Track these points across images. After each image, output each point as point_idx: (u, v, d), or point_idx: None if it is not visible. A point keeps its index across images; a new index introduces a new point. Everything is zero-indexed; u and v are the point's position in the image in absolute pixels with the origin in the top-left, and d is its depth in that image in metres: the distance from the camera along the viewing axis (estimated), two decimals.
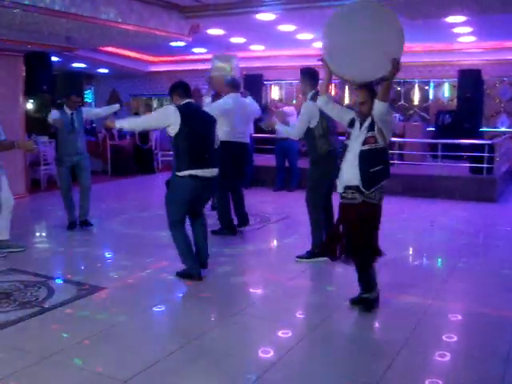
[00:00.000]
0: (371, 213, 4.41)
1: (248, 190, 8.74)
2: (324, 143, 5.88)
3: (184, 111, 5.11)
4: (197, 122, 5.17)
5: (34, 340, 4.03)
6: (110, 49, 14.31)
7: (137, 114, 17.94)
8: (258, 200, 8.95)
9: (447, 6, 8.13)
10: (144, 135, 14.41)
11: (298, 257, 6.00)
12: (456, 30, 11.40)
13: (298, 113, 6.17)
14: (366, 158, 4.31)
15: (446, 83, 14.85)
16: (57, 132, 7.41)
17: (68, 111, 7.36)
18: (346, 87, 15.47)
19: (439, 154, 11.56)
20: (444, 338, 4.09)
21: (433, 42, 13.28)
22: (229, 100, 7.14)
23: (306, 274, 5.72)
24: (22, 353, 3.80)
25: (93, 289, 5.10)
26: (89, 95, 19.38)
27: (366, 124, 4.35)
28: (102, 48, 13.67)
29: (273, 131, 11.02)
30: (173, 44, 12.05)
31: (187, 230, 5.43)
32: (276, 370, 3.57)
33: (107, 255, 6.71)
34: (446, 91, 14.92)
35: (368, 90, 4.35)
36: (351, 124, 4.53)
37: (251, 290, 5.38)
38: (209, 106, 6.93)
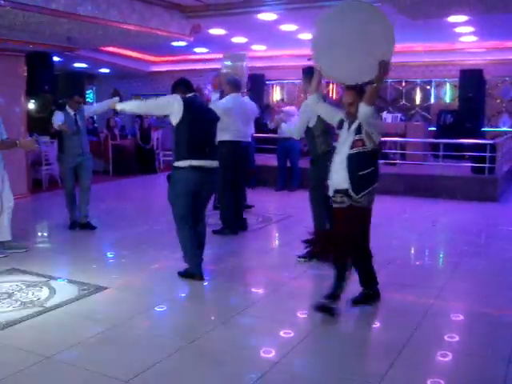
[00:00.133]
0: (358, 216, 4.36)
1: (252, 190, 8.74)
2: (323, 143, 5.88)
3: (188, 101, 5.15)
4: (199, 114, 5.20)
5: (35, 340, 4.03)
6: (111, 49, 14.32)
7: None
8: (259, 200, 8.94)
9: (448, 6, 8.11)
10: (146, 135, 14.41)
11: (299, 256, 6.00)
12: (458, 30, 11.40)
13: None
14: (354, 162, 4.26)
15: (447, 83, 14.84)
16: (60, 132, 7.37)
17: (71, 111, 7.34)
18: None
19: (441, 153, 11.55)
20: (446, 337, 4.09)
21: (434, 41, 13.27)
22: (230, 99, 7.16)
23: (308, 274, 5.72)
24: (24, 353, 3.80)
25: (94, 289, 5.11)
26: (90, 95, 19.39)
27: (354, 126, 4.29)
28: (103, 48, 13.68)
29: (274, 131, 11.06)
30: (174, 44, 12.06)
31: None
32: (277, 370, 3.57)
33: (109, 255, 6.71)
34: (448, 91, 14.90)
35: (357, 90, 4.27)
36: (340, 126, 4.47)
37: (253, 290, 5.37)
38: (213, 103, 6.95)
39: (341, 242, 4.28)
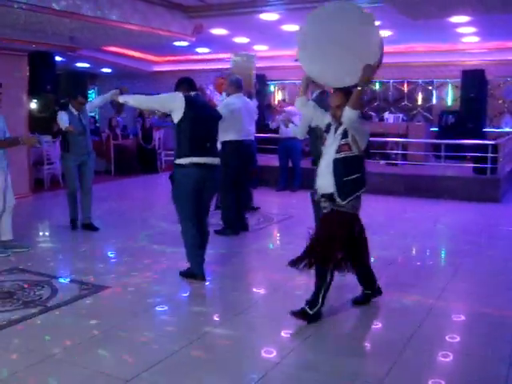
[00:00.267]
0: (341, 221, 4.23)
1: (253, 190, 8.75)
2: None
3: (190, 99, 5.17)
4: (201, 112, 5.21)
5: (37, 339, 4.04)
6: (113, 48, 14.32)
7: (141, 113, 18.00)
8: (261, 200, 8.94)
9: (449, 6, 8.12)
10: (147, 135, 14.42)
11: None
12: (459, 30, 11.39)
13: None
14: (340, 167, 4.16)
15: (449, 83, 14.83)
16: (65, 132, 7.34)
17: (75, 112, 7.33)
18: None
19: (442, 154, 11.56)
20: (447, 338, 4.09)
21: (436, 42, 13.27)
22: (234, 100, 7.19)
23: (310, 274, 5.68)
24: (26, 352, 3.81)
25: (96, 288, 5.12)
26: (92, 95, 19.40)
27: (340, 130, 4.20)
28: (105, 48, 13.69)
29: (276, 131, 11.06)
30: (176, 44, 12.06)
31: None
32: (278, 370, 3.57)
33: (110, 254, 6.72)
34: (450, 91, 14.90)
35: (344, 93, 4.17)
36: (327, 129, 4.39)
37: (254, 290, 5.38)
38: (223, 105, 7.00)
39: (321, 247, 4.22)
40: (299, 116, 10.99)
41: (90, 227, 7.46)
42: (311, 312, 4.26)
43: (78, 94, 7.50)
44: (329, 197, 4.22)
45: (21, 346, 3.91)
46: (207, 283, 5.31)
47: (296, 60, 4.45)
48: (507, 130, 13.79)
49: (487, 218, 8.65)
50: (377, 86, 15.54)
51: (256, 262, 6.35)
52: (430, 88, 15.07)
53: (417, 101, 15.27)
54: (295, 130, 6.29)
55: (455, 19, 9.84)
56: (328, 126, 4.38)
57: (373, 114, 15.09)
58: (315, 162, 6.01)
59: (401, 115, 14.50)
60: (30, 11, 7.23)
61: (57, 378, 3.48)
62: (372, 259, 6.50)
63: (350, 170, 4.17)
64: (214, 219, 7.38)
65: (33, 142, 6.60)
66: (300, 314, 4.25)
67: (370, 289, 4.70)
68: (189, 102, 5.12)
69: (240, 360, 3.74)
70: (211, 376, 3.53)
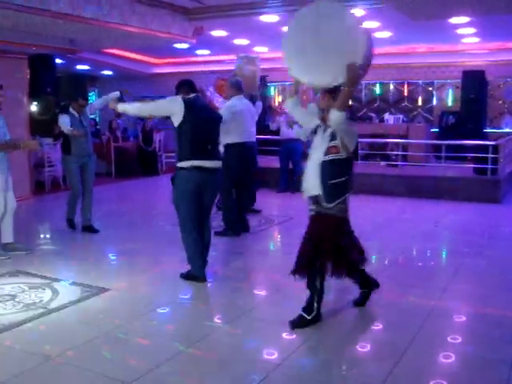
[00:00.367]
0: (327, 225, 4.17)
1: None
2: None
3: (189, 102, 5.16)
4: (201, 114, 5.19)
5: (38, 341, 4.04)
6: (113, 51, 14.34)
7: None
8: (261, 201, 8.94)
9: (449, 7, 8.12)
10: (148, 137, 14.43)
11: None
12: (460, 31, 11.41)
13: None
14: (327, 169, 4.09)
15: (449, 84, 14.83)
16: (66, 134, 7.33)
17: (76, 114, 7.32)
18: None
19: (443, 154, 11.55)
20: (449, 339, 4.09)
21: (437, 42, 13.29)
22: (236, 102, 7.21)
23: None
24: (27, 354, 3.81)
25: (97, 290, 5.11)
26: (92, 97, 19.41)
27: (329, 132, 4.11)
28: (105, 50, 13.70)
29: (276, 132, 11.07)
30: (176, 46, 12.08)
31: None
32: (280, 372, 3.57)
33: (111, 257, 6.72)
34: (450, 92, 14.90)
35: (331, 95, 4.09)
36: (315, 131, 4.31)
37: (255, 292, 5.37)
38: (225, 108, 7.01)
39: (307, 250, 4.20)
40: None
41: (90, 229, 7.45)
42: (309, 317, 4.25)
43: (79, 97, 7.50)
44: (315, 199, 4.18)
45: (22, 349, 3.90)
46: (208, 285, 5.31)
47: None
48: (507, 130, 13.80)
49: (488, 218, 8.65)
50: (377, 87, 15.55)
51: (257, 263, 6.34)
52: (431, 89, 15.07)
53: (417, 102, 15.27)
54: (299, 132, 6.31)
55: (455, 20, 9.85)
56: (316, 128, 4.30)
57: (373, 115, 15.10)
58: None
59: (401, 116, 14.51)
60: (29, 14, 7.23)
61: (58, 380, 3.48)
62: (373, 259, 6.53)
63: (337, 173, 4.11)
64: (216, 222, 7.38)
65: (32, 147, 6.61)
66: (298, 323, 4.23)
67: (366, 287, 4.66)
68: (188, 105, 5.11)
69: (241, 361, 3.74)
70: (213, 377, 3.53)
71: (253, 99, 7.98)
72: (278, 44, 4.58)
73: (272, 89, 17.19)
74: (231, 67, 14.15)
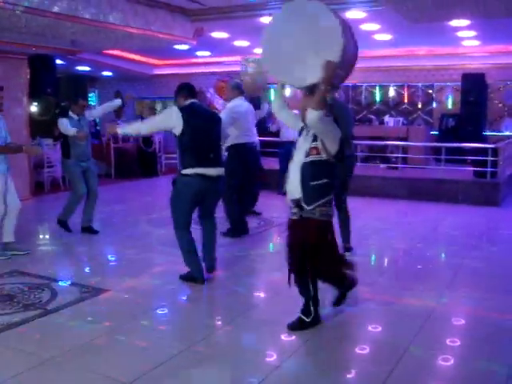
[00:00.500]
0: (309, 229, 4.08)
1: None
2: None
3: (186, 112, 5.13)
4: (200, 121, 5.17)
5: (37, 342, 4.04)
6: (114, 52, 14.34)
7: (141, 117, 18.04)
8: (261, 203, 8.94)
9: (448, 9, 8.11)
10: (147, 138, 14.43)
11: None
12: (460, 34, 11.41)
13: None
14: (307, 171, 4.02)
15: (449, 87, 14.83)
16: (66, 137, 7.29)
17: (75, 117, 7.27)
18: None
19: (443, 157, 11.55)
20: (447, 342, 4.09)
21: (437, 45, 13.29)
22: (238, 103, 7.23)
23: None
24: (26, 355, 3.81)
25: (96, 291, 5.12)
26: (93, 98, 19.42)
27: (311, 133, 4.06)
28: (106, 51, 13.70)
29: (276, 134, 11.06)
30: (177, 47, 12.07)
31: (197, 231, 5.44)
32: (279, 374, 3.57)
33: (110, 258, 6.72)
34: (450, 95, 14.90)
35: (309, 95, 3.99)
36: (300, 133, 4.27)
37: (254, 294, 5.37)
38: (228, 110, 7.03)
39: (296, 258, 4.16)
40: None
41: (89, 230, 7.44)
42: (308, 319, 4.24)
43: (79, 97, 7.47)
44: (297, 203, 4.11)
45: (21, 349, 3.90)
46: (207, 286, 5.31)
47: None
48: (507, 133, 13.79)
49: (487, 221, 8.65)
50: (377, 90, 15.56)
51: (256, 265, 6.34)
52: (430, 91, 15.07)
53: (417, 104, 15.26)
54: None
55: (456, 23, 9.84)
56: (301, 130, 4.25)
57: (373, 117, 15.10)
58: None
59: (401, 119, 14.49)
60: (30, 14, 7.23)
61: (57, 381, 3.48)
62: (372, 261, 6.54)
63: (317, 175, 4.02)
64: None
65: (35, 153, 6.64)
66: (297, 326, 4.23)
67: (341, 287, 4.53)
68: (185, 114, 5.09)
69: (240, 363, 3.74)
70: (211, 379, 3.53)
71: (257, 101, 7.99)
72: None
73: (272, 91, 17.17)
74: (231, 68, 14.19)
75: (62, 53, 11.63)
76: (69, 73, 15.95)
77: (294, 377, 3.58)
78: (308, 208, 4.04)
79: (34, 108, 12.50)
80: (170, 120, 5.13)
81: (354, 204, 6.54)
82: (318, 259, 4.12)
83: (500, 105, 14.28)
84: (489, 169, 10.04)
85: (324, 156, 4.00)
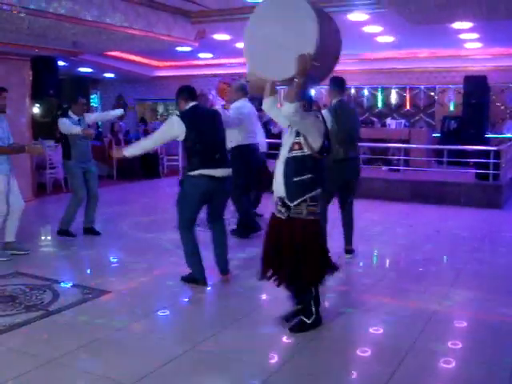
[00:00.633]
0: (297, 230, 4.04)
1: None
2: (335, 151, 6.11)
3: (187, 117, 5.13)
4: (202, 124, 5.16)
5: (38, 343, 4.04)
6: (116, 53, 14.37)
7: (143, 118, 18.07)
8: (263, 204, 8.92)
9: (449, 12, 8.11)
10: None
11: None
12: (462, 36, 11.41)
13: None
14: (290, 166, 4.00)
15: (451, 89, 14.84)
16: (66, 139, 7.23)
17: (75, 117, 7.23)
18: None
19: (445, 159, 11.55)
20: (449, 344, 4.08)
21: (439, 47, 13.29)
22: (246, 104, 7.25)
23: None
24: (27, 356, 3.80)
25: (98, 293, 5.11)
26: (94, 100, 19.45)
27: (294, 129, 4.05)
28: (108, 53, 13.72)
29: (278, 136, 11.06)
30: (179, 49, 12.08)
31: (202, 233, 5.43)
32: (280, 376, 3.57)
33: (112, 259, 6.71)
34: (452, 97, 14.90)
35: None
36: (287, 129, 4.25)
37: (255, 295, 5.37)
38: (235, 110, 7.03)
39: (292, 262, 4.11)
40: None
41: (91, 231, 7.44)
42: (309, 321, 4.23)
43: (79, 96, 7.43)
44: (282, 200, 4.06)
45: (22, 351, 3.90)
46: (209, 288, 5.31)
47: None
48: (509, 135, 13.78)
49: (489, 224, 8.64)
50: (379, 92, 15.56)
51: (257, 266, 6.32)
52: (433, 94, 15.08)
53: (419, 106, 15.27)
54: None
55: (458, 25, 9.84)
56: (289, 126, 4.23)
57: (375, 119, 15.11)
58: (336, 165, 6.06)
59: (403, 121, 14.50)
60: (33, 16, 7.23)
61: (59, 382, 3.47)
62: (374, 264, 6.53)
63: (300, 170, 3.98)
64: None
65: (38, 152, 6.64)
66: (299, 327, 4.22)
67: (303, 298, 4.30)
68: (187, 120, 5.08)
69: (241, 365, 3.73)
70: (213, 381, 3.53)
71: (256, 102, 7.98)
72: None
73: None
74: (233, 70, 14.20)
75: (64, 54, 11.64)
76: (71, 74, 15.98)
77: (296, 379, 3.57)
78: (292, 204, 4.01)
79: (36, 109, 12.52)
80: (172, 130, 5.13)
81: (355, 206, 6.53)
82: (304, 259, 4.08)
83: (502, 107, 14.28)
84: (491, 171, 10.03)
85: (307, 151, 3.97)
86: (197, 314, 4.83)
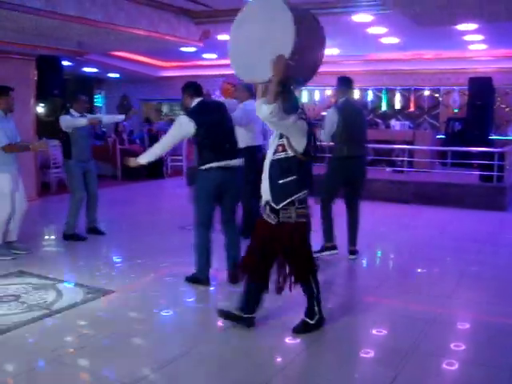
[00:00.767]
0: (284, 235, 4.01)
1: None
2: (340, 148, 6.25)
3: (195, 113, 5.15)
4: (210, 118, 5.17)
5: (42, 342, 4.05)
6: (120, 53, 14.38)
7: (147, 119, 18.09)
8: None
9: (453, 13, 8.09)
10: (154, 140, 14.42)
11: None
12: (467, 38, 11.38)
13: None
14: (275, 169, 3.98)
15: (456, 91, 14.81)
16: (67, 137, 7.16)
17: (76, 115, 7.17)
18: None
19: (449, 161, 11.52)
20: (452, 346, 4.07)
21: (444, 49, 13.27)
22: (251, 104, 7.23)
23: None
24: (30, 355, 3.81)
25: (101, 292, 5.12)
26: (99, 100, 19.46)
27: (279, 131, 4.02)
28: (112, 53, 13.74)
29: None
30: (183, 49, 12.09)
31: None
32: (283, 376, 3.56)
33: (115, 259, 6.73)
34: (457, 99, 14.87)
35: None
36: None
37: None
38: (241, 110, 7.02)
39: (300, 262, 4.13)
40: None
41: (95, 231, 7.44)
42: (312, 322, 4.23)
43: (80, 95, 7.41)
44: (270, 205, 4.02)
45: (25, 349, 3.91)
46: (212, 288, 5.31)
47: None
48: None
49: (493, 226, 8.62)
50: (383, 93, 15.55)
51: None
52: (437, 95, 15.05)
53: (423, 108, 15.25)
54: (321, 134, 6.43)
55: (463, 27, 9.82)
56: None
57: (379, 121, 15.09)
58: (329, 162, 6.11)
59: (407, 122, 14.48)
60: (38, 16, 7.25)
61: (61, 381, 3.48)
62: (377, 265, 6.52)
63: (284, 173, 3.96)
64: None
65: (43, 147, 6.66)
66: (302, 328, 4.22)
67: (250, 311, 4.32)
68: (195, 117, 5.09)
69: (244, 365, 3.73)
70: (216, 381, 3.53)
71: None
72: None
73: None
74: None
75: (69, 54, 11.65)
76: (76, 74, 16.00)
77: (299, 379, 3.57)
78: (278, 207, 3.98)
79: (40, 109, 12.54)
80: (182, 130, 5.15)
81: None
82: (291, 261, 4.11)
83: (507, 109, 14.25)
84: (495, 173, 10.00)
85: (291, 153, 3.94)
86: (199, 314, 4.83)
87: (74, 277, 5.76)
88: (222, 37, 11.51)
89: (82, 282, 5.42)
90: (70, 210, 7.21)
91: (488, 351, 3.99)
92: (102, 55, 13.79)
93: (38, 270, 5.79)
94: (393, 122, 14.50)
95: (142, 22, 8.67)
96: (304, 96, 16.33)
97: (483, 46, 12.62)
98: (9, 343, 4.01)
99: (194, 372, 3.62)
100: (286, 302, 5.01)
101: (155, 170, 14.31)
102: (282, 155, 3.96)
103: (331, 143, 6.51)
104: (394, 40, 11.76)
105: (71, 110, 7.23)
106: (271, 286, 4.27)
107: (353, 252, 6.33)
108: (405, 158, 12.06)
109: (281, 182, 3.96)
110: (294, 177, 3.96)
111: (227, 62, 4.22)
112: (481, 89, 13.51)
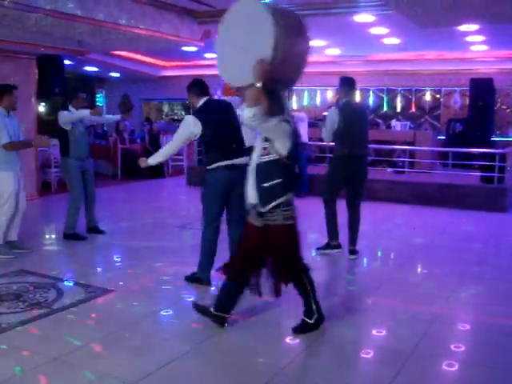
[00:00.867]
0: (271, 237, 4.05)
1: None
2: (340, 147, 6.32)
3: (202, 113, 5.15)
4: (217, 119, 5.16)
5: (42, 341, 4.05)
6: (122, 53, 14.38)
7: (148, 118, 18.09)
8: None
9: (455, 14, 8.08)
10: (155, 140, 14.45)
11: (317, 248, 6.54)
12: (469, 39, 11.38)
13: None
14: (260, 172, 4.00)
15: (457, 92, 14.81)
16: (66, 134, 7.11)
17: (75, 111, 7.12)
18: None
19: (450, 162, 11.51)
20: (452, 347, 4.07)
21: (445, 50, 13.27)
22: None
23: (316, 280, 5.69)
24: (31, 354, 3.81)
25: (101, 291, 5.13)
26: (100, 99, 19.47)
27: (264, 134, 4.03)
28: (114, 52, 13.74)
29: None
30: (185, 49, 12.09)
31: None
32: (283, 376, 3.56)
33: (116, 258, 6.73)
34: (458, 100, 14.87)
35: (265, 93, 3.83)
36: None
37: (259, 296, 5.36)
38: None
39: (290, 263, 4.14)
40: (306, 123, 11.07)
41: (96, 230, 7.44)
42: (311, 321, 4.23)
43: (78, 91, 7.38)
44: (255, 208, 4.03)
45: (26, 348, 3.91)
46: (212, 288, 5.31)
47: None
48: None
49: (494, 227, 8.62)
50: (384, 94, 15.55)
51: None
52: (438, 96, 15.05)
53: (424, 109, 15.25)
54: (323, 133, 6.48)
55: (464, 28, 9.82)
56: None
57: (380, 121, 15.09)
58: (330, 161, 6.15)
59: (408, 123, 14.47)
60: (40, 14, 7.25)
61: (63, 380, 3.48)
62: (378, 266, 6.52)
63: (269, 176, 3.98)
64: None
65: (45, 143, 6.68)
66: (302, 328, 4.23)
67: (225, 311, 4.36)
68: (202, 117, 5.09)
69: (244, 365, 3.73)
70: (216, 381, 3.53)
71: None
72: None
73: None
74: None
75: (70, 53, 11.66)
76: (77, 73, 16.01)
77: (298, 379, 3.57)
78: (264, 210, 3.99)
79: (41, 108, 12.54)
80: (189, 131, 5.14)
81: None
82: (280, 261, 4.13)
83: (508, 110, 14.24)
84: (496, 174, 10.00)
85: (275, 156, 3.95)
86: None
87: (74, 276, 5.76)
88: None
89: (82, 281, 5.43)
90: (69, 210, 7.17)
91: (488, 352, 4.00)
92: (103, 54, 13.79)
93: (39, 268, 5.80)
94: (394, 123, 14.49)
95: (143, 21, 8.67)
96: (305, 96, 16.34)
97: (484, 47, 12.62)
98: (9, 342, 4.01)
99: (194, 372, 3.63)
100: (285, 302, 5.01)
101: (157, 169, 14.32)
102: (265, 158, 3.97)
103: (332, 143, 6.54)
104: (396, 41, 11.76)
105: (69, 107, 7.15)
106: (249, 288, 4.33)
107: (353, 252, 6.34)
108: (406, 159, 12.06)
109: (266, 185, 3.97)
110: (280, 180, 3.97)
111: None
112: (482, 90, 13.50)
